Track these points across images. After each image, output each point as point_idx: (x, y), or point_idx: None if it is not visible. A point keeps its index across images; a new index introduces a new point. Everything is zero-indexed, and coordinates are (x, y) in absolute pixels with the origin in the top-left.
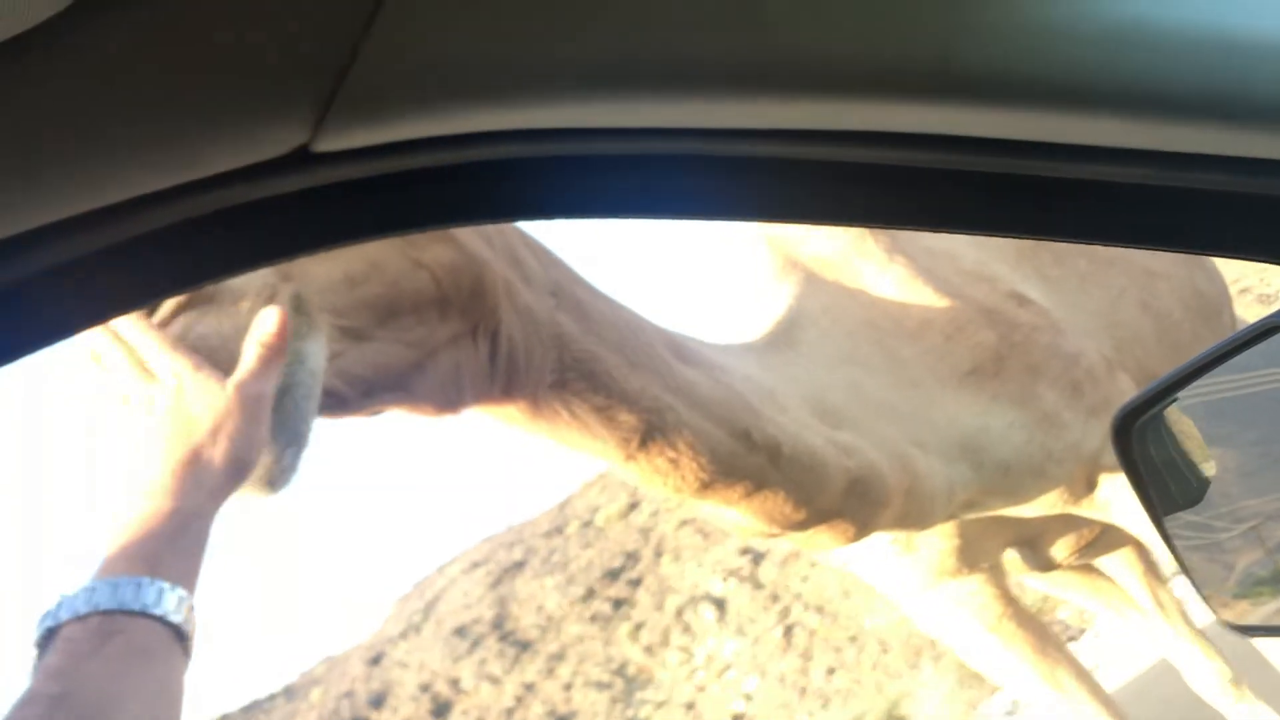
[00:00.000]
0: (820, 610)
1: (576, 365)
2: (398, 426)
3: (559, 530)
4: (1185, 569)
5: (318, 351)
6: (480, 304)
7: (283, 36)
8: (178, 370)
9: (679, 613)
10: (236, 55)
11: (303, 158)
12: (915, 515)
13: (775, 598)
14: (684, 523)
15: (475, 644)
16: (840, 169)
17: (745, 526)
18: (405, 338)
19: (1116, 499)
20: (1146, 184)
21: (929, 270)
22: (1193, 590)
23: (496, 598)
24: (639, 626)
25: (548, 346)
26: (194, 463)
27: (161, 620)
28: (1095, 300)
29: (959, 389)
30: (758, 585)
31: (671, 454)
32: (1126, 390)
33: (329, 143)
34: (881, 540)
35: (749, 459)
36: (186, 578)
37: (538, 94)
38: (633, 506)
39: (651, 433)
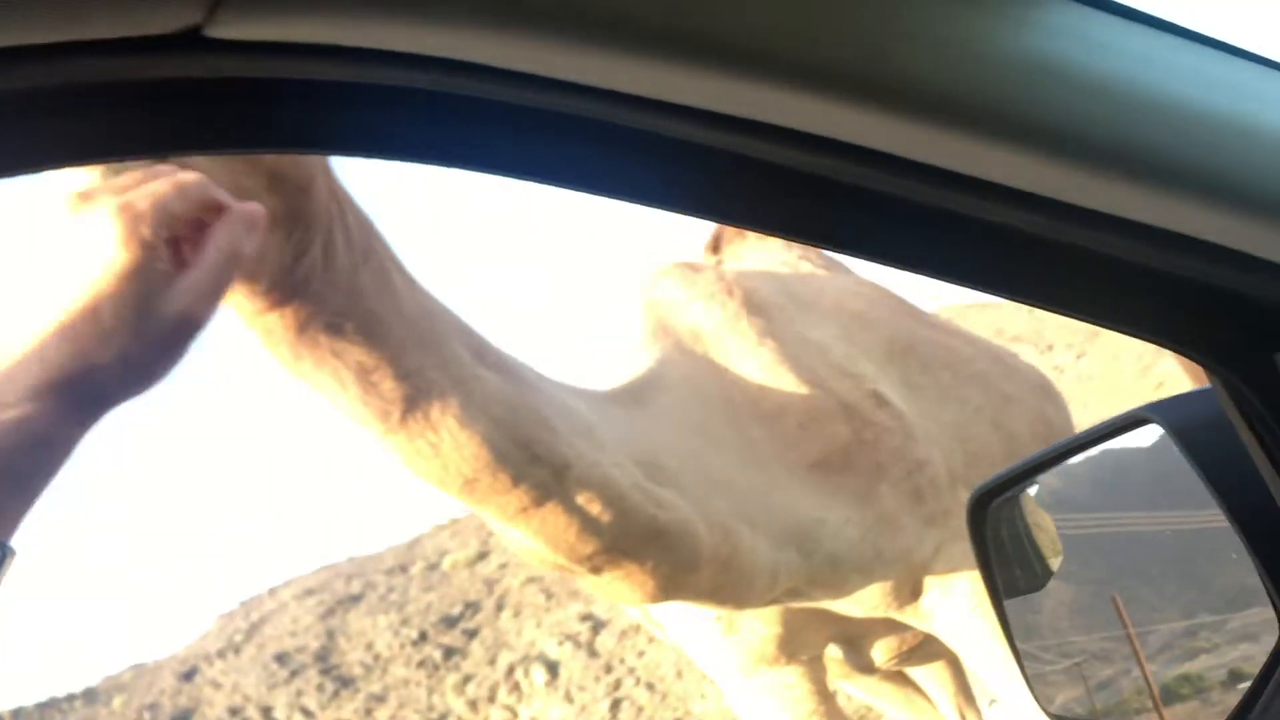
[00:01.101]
0: (651, 688)
1: (358, 318)
2: (259, 435)
3: (403, 569)
4: (1017, 655)
5: None
6: (302, 205)
7: None
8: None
9: (510, 670)
10: None
11: (193, 40)
12: (732, 590)
13: (609, 668)
14: (530, 580)
15: (295, 673)
16: (719, 158)
17: (532, 550)
18: (234, 178)
19: (940, 610)
20: (1045, 236)
21: (797, 358)
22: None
23: (326, 629)
24: (468, 679)
25: (339, 291)
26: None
27: None
28: (952, 413)
29: (803, 478)
30: (593, 653)
31: (433, 438)
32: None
33: (223, 29)
34: (705, 617)
35: (528, 470)
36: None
37: (453, 20)
38: (482, 556)
39: (413, 410)
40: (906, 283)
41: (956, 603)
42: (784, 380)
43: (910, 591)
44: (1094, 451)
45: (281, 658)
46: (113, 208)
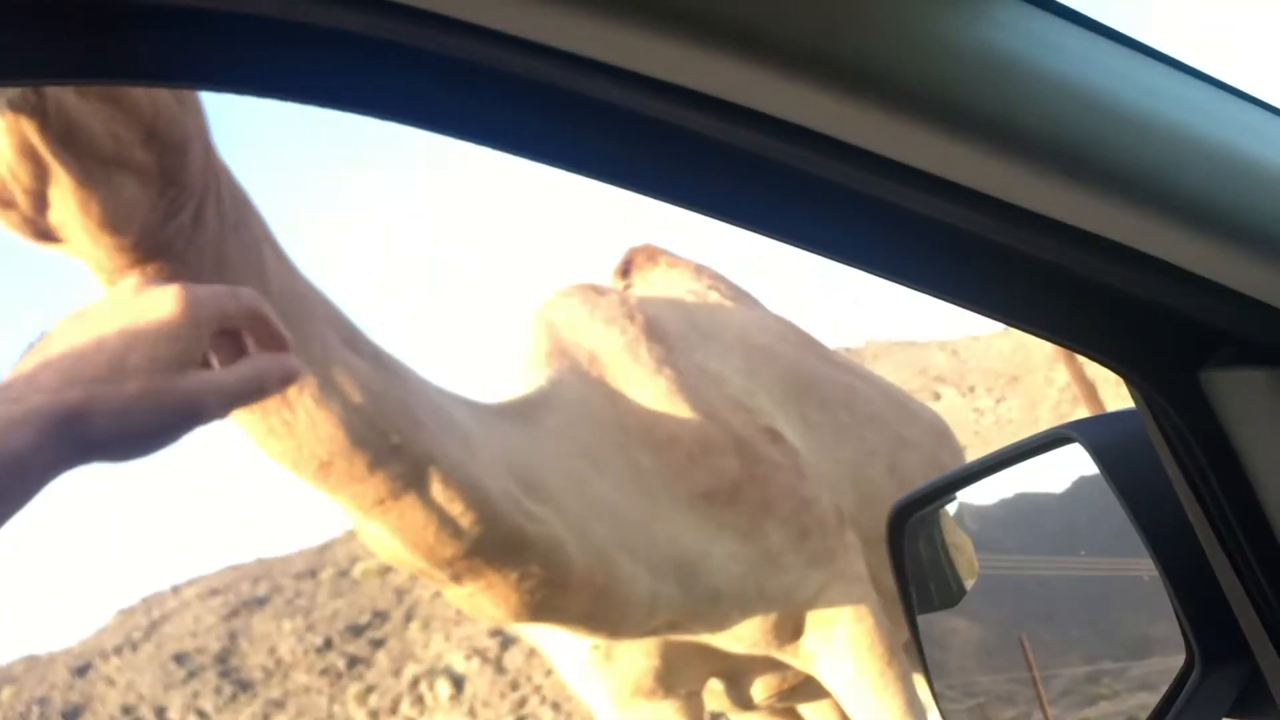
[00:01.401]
0: (557, 707)
1: (219, 282)
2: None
3: (312, 573)
4: (927, 671)
5: None
6: (176, 166)
7: None
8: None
9: (414, 683)
10: None
11: None
12: (606, 618)
13: (515, 685)
14: (441, 592)
15: (193, 674)
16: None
17: (393, 550)
18: (110, 126)
19: (820, 652)
20: (977, 233)
21: (694, 388)
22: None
23: (228, 630)
24: (370, 689)
25: (203, 257)
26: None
27: None
28: (848, 453)
29: (689, 509)
30: (500, 669)
31: (288, 415)
32: (852, 544)
33: None
34: (582, 644)
35: (386, 459)
36: None
37: None
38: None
39: None
40: (837, 317)
41: (836, 646)
42: (678, 410)
43: (791, 631)
44: (1011, 485)
45: (180, 657)
46: (176, 288)
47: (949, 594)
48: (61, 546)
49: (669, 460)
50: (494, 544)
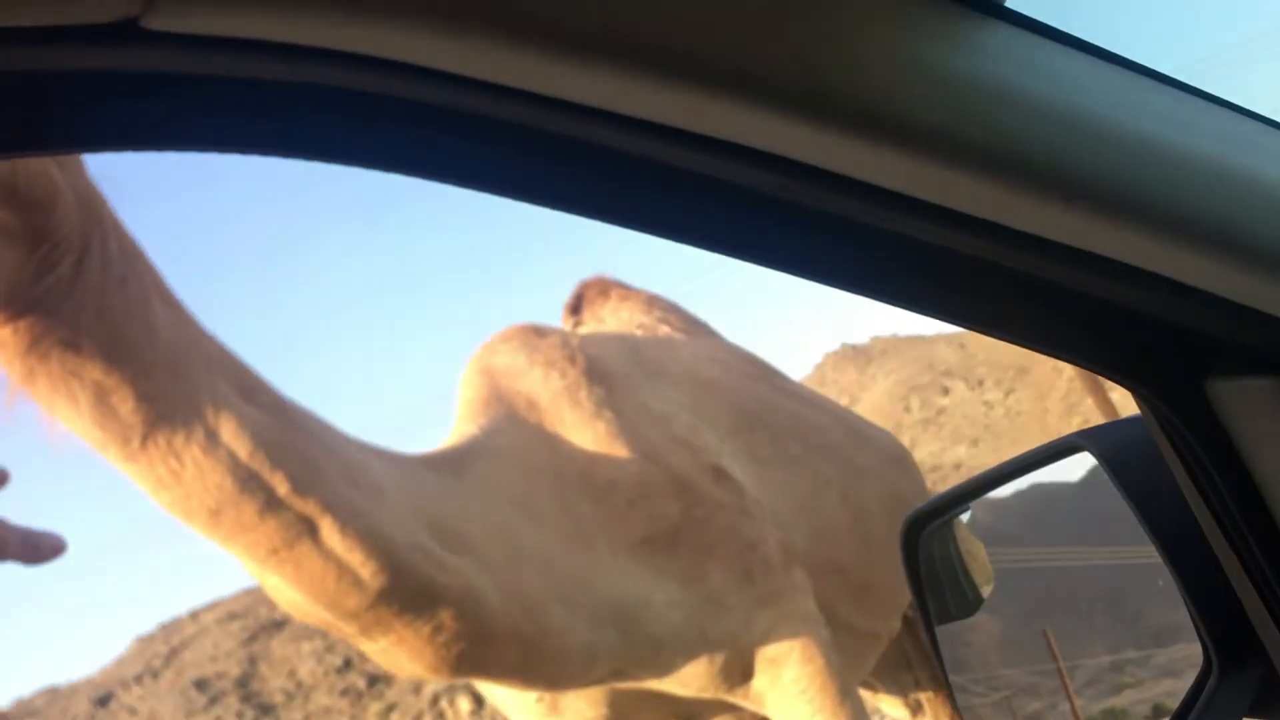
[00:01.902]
0: None
1: (100, 338)
2: None
3: None
4: (948, 684)
5: None
6: (45, 223)
7: None
8: None
9: (435, 700)
10: None
11: (131, 30)
12: (539, 670)
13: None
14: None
15: (215, 700)
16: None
17: (297, 603)
18: None
19: (771, 694)
20: (982, 258)
21: (635, 430)
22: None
23: (248, 655)
24: (391, 708)
25: (84, 310)
26: None
27: None
28: (800, 486)
29: (628, 556)
30: None
31: (175, 465)
32: (800, 583)
33: (162, 20)
34: (528, 695)
35: (277, 508)
36: None
37: (400, 19)
38: None
39: (154, 435)
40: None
41: (786, 687)
42: (618, 454)
43: (740, 673)
44: (1026, 478)
45: (201, 684)
46: None
47: (965, 603)
48: (78, 575)
49: (607, 506)
50: (401, 595)
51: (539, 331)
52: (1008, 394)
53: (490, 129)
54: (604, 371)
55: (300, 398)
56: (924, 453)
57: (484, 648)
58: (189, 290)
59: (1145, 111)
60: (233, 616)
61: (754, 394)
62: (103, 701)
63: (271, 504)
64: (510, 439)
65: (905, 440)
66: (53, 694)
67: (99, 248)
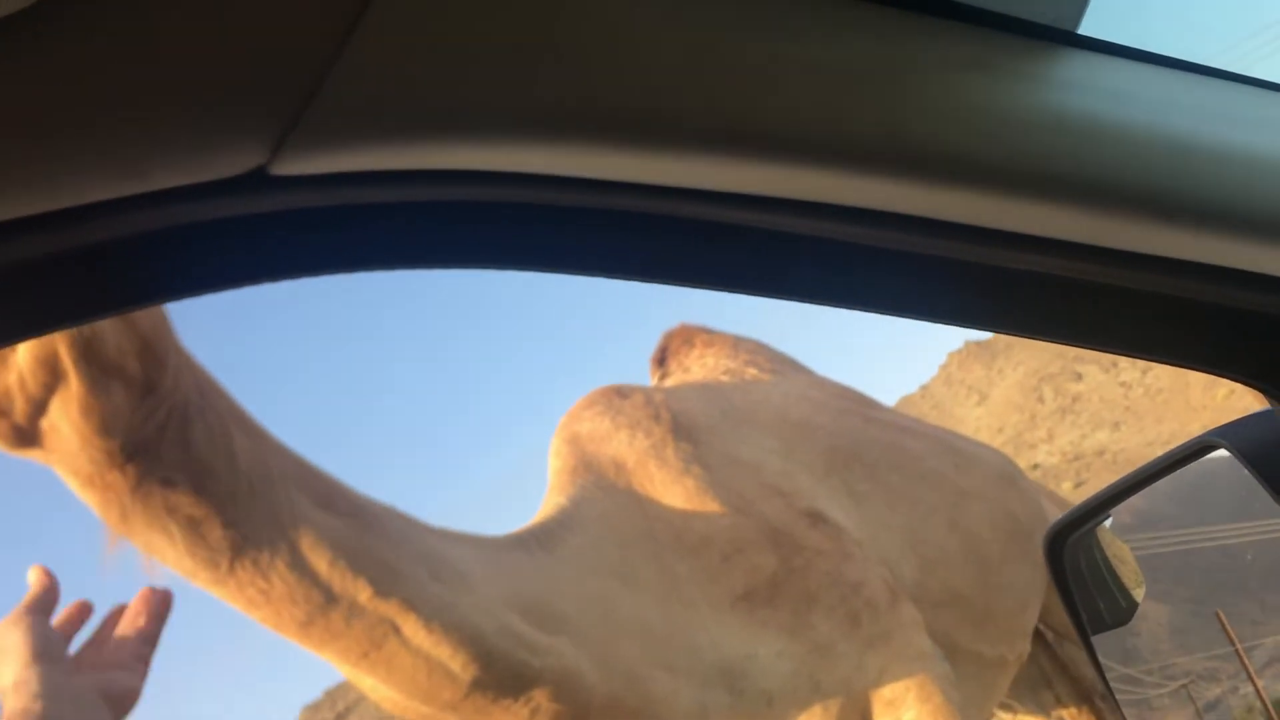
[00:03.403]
0: None
1: (191, 472)
2: None
3: None
4: (1108, 688)
5: None
6: (159, 374)
7: (252, 53)
8: None
9: None
10: (203, 68)
11: (259, 179)
12: None
13: None
14: None
15: None
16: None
17: (388, 697)
18: (119, 339)
19: None
20: (1096, 281)
21: (725, 483)
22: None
23: None
24: None
25: (175, 447)
26: None
27: None
28: (903, 517)
29: (730, 612)
30: None
31: (263, 585)
32: (910, 620)
33: (288, 166)
34: None
35: (362, 613)
36: None
37: (502, 135)
38: None
39: (241, 558)
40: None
41: None
42: (709, 509)
43: (859, 718)
44: (1164, 481)
45: None
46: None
47: (1119, 610)
48: (246, 645)
49: (703, 563)
50: (495, 683)
51: (621, 392)
52: (1145, 372)
53: (585, 218)
54: (690, 426)
55: (401, 493)
56: (1064, 442)
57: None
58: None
59: (1235, 117)
60: None
61: (846, 429)
62: None
63: (355, 610)
64: (600, 506)
65: (1042, 433)
66: None
67: (186, 387)
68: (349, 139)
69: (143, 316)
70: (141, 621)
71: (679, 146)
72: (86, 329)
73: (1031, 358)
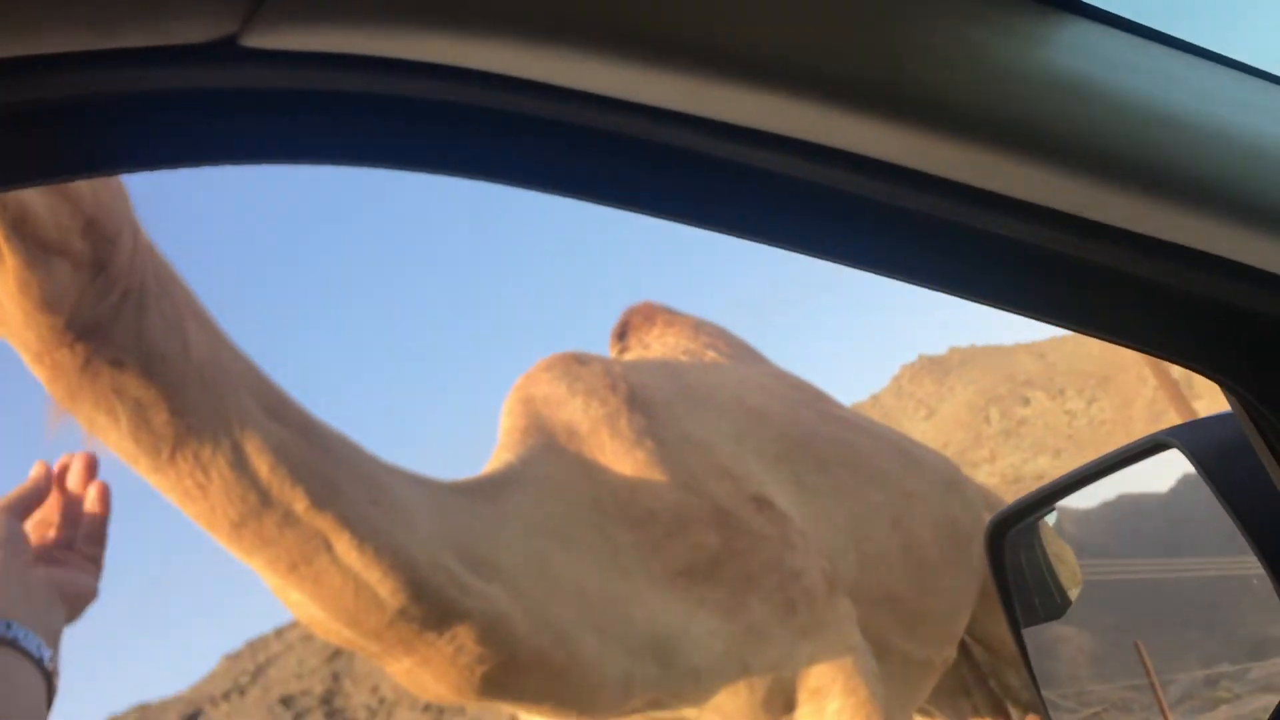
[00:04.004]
0: None
1: (142, 356)
2: None
3: None
4: (1035, 684)
5: None
6: (109, 253)
7: None
8: None
9: (514, 717)
10: None
11: (229, 48)
12: (572, 699)
13: None
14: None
15: (300, 716)
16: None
17: (314, 616)
18: (57, 218)
19: None
20: (1065, 253)
21: (676, 459)
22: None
23: (331, 672)
24: None
25: (129, 331)
26: None
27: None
28: (847, 513)
29: (667, 587)
30: None
31: (201, 479)
32: (845, 613)
33: (260, 38)
34: None
35: (296, 523)
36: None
37: (489, 31)
38: None
39: (183, 448)
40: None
41: (828, 718)
42: (657, 483)
43: (783, 704)
44: (1113, 489)
45: (287, 700)
46: None
47: (1053, 605)
48: (170, 593)
49: (646, 536)
50: (421, 615)
51: (581, 360)
52: (1090, 403)
53: (573, 135)
54: (646, 400)
55: (351, 424)
56: (1005, 464)
57: (510, 673)
58: (231, 301)
59: (1225, 100)
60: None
61: (800, 420)
62: (192, 718)
63: (290, 519)
64: (548, 468)
65: (985, 452)
66: (143, 710)
67: (140, 275)
68: (328, 13)
69: (91, 194)
70: (88, 515)
71: (665, 62)
72: (15, 205)
73: (983, 377)
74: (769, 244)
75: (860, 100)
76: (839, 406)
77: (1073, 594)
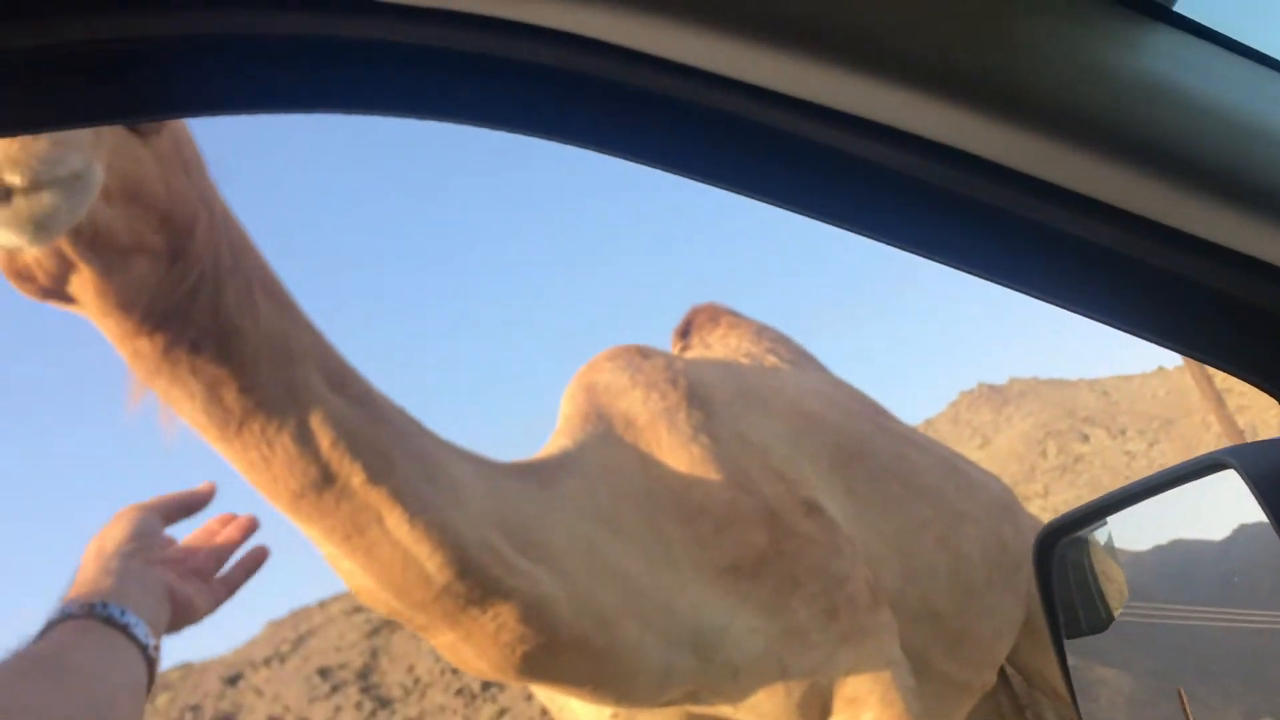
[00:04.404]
0: None
1: (219, 337)
2: None
3: None
4: (1073, 697)
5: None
6: (185, 244)
7: None
8: None
9: (545, 710)
10: None
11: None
12: (610, 684)
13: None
14: None
15: (336, 689)
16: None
17: (363, 585)
18: (131, 223)
19: None
20: (1132, 255)
21: (730, 458)
22: None
23: (370, 647)
24: (503, 712)
25: (205, 313)
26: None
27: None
28: (895, 526)
29: (713, 581)
30: None
31: (265, 451)
32: (886, 624)
33: None
34: (603, 713)
35: (352, 496)
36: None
37: None
38: None
39: (250, 422)
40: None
41: None
42: (711, 479)
43: (819, 709)
44: (1167, 535)
45: (325, 672)
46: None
47: (1097, 619)
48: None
49: (696, 530)
50: (466, 591)
51: (644, 353)
52: (1151, 445)
53: (685, 112)
54: (705, 397)
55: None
56: (1058, 500)
57: (551, 654)
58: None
59: None
60: (357, 609)
61: (856, 431)
62: (232, 681)
63: (347, 492)
64: (604, 455)
65: (1039, 487)
66: (187, 669)
67: (216, 252)
68: None
69: (164, 186)
70: (233, 567)
71: (723, 28)
72: (88, 222)
73: (1042, 410)
74: (849, 229)
75: (952, 89)
76: (896, 421)
77: (1117, 611)
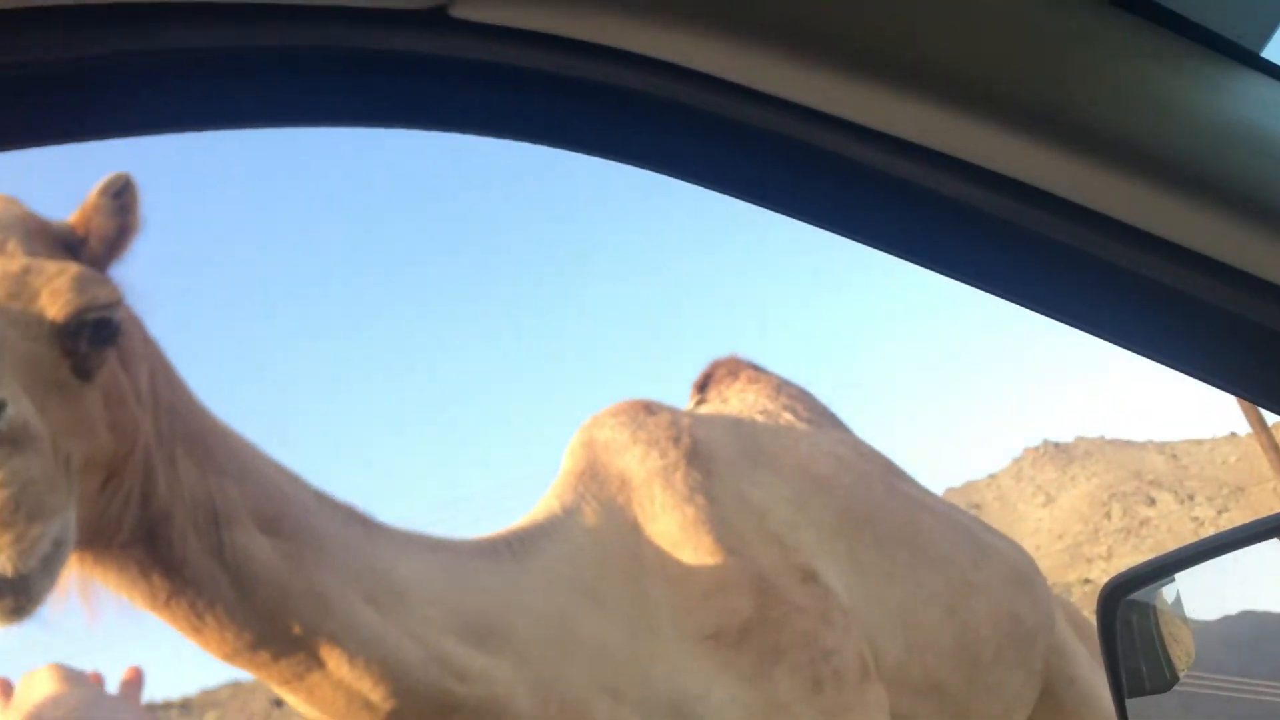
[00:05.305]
0: None
1: (144, 526)
2: None
3: None
4: None
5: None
6: (122, 465)
7: None
8: None
9: None
10: None
11: (438, 18)
12: None
13: None
14: None
15: None
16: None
17: (310, 713)
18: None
19: None
20: (1175, 286)
21: (726, 519)
22: None
23: None
24: None
25: (134, 512)
26: None
27: None
28: (900, 596)
29: (694, 648)
30: None
31: (195, 622)
32: (875, 702)
33: (467, 9)
34: None
35: (289, 651)
36: None
37: (689, 25)
38: None
39: (178, 597)
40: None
41: None
42: (703, 542)
43: None
44: (1236, 606)
45: None
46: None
47: (1161, 679)
48: None
49: (680, 595)
50: (414, 713)
51: (649, 408)
52: (1220, 512)
53: (750, 136)
54: (707, 455)
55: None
56: (1121, 563)
57: None
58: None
59: None
60: None
61: (867, 495)
62: (279, 703)
63: (283, 648)
64: (592, 518)
65: (1102, 549)
66: (236, 688)
67: (150, 442)
68: None
69: (110, 420)
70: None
71: (761, 44)
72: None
73: (1107, 471)
74: (917, 263)
75: (1034, 130)
76: (911, 484)
77: (1182, 672)
